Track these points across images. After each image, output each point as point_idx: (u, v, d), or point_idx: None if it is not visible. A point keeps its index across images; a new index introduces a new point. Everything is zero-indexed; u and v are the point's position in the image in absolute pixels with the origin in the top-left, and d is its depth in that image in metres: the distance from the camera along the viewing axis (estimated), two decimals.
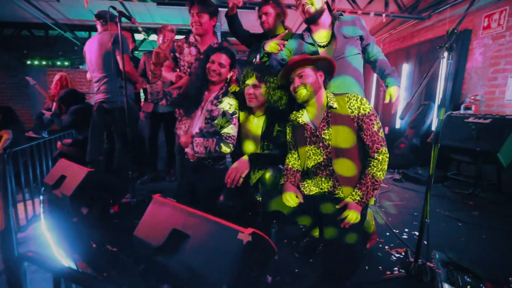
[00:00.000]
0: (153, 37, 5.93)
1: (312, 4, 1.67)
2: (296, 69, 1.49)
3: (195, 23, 2.08)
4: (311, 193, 1.56)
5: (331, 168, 1.49)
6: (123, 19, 2.23)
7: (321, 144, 1.50)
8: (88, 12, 3.95)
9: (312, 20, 1.71)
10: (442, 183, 3.43)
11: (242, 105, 1.85)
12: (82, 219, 1.99)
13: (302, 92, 1.47)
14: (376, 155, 1.43)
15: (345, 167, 1.47)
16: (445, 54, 1.20)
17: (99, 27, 2.61)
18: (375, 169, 1.43)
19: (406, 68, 4.71)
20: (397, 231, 2.12)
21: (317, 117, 1.53)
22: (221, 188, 1.73)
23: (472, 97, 3.50)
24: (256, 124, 1.82)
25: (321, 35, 1.74)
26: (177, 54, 2.24)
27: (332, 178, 1.50)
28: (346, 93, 1.54)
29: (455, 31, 1.18)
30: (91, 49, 2.57)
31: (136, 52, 6.33)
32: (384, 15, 3.99)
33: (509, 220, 2.38)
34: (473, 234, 2.10)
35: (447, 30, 1.21)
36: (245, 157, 1.64)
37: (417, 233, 2.08)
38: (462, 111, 3.50)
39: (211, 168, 1.84)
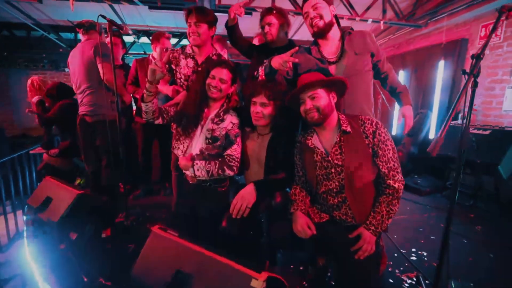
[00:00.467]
0: (144, 39, 5.71)
1: (321, 17, 1.57)
2: (308, 90, 1.39)
3: (192, 33, 1.93)
4: (321, 220, 1.47)
5: (343, 195, 1.40)
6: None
7: (333, 170, 1.40)
8: (74, 13, 3.73)
9: (320, 34, 1.61)
10: (440, 193, 3.43)
11: (245, 122, 1.73)
12: (70, 246, 1.83)
13: (314, 116, 1.37)
14: (392, 183, 1.35)
15: (359, 194, 1.39)
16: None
17: (81, 36, 2.47)
18: (390, 197, 1.35)
19: (401, 75, 4.70)
20: (404, 251, 2.06)
21: (328, 140, 1.43)
22: (223, 212, 1.62)
23: None
24: (260, 143, 1.71)
25: (331, 51, 1.64)
26: (173, 66, 2.10)
27: (345, 205, 1.41)
28: (358, 115, 1.45)
29: (481, 56, 1.11)
30: (74, 59, 2.45)
31: (127, 55, 6.09)
32: (381, 22, 3.95)
33: None
34: (480, 253, 2.07)
35: (471, 55, 1.13)
36: (251, 186, 1.52)
37: (425, 253, 2.03)
38: (459, 121, 3.49)
39: (212, 190, 1.72)
